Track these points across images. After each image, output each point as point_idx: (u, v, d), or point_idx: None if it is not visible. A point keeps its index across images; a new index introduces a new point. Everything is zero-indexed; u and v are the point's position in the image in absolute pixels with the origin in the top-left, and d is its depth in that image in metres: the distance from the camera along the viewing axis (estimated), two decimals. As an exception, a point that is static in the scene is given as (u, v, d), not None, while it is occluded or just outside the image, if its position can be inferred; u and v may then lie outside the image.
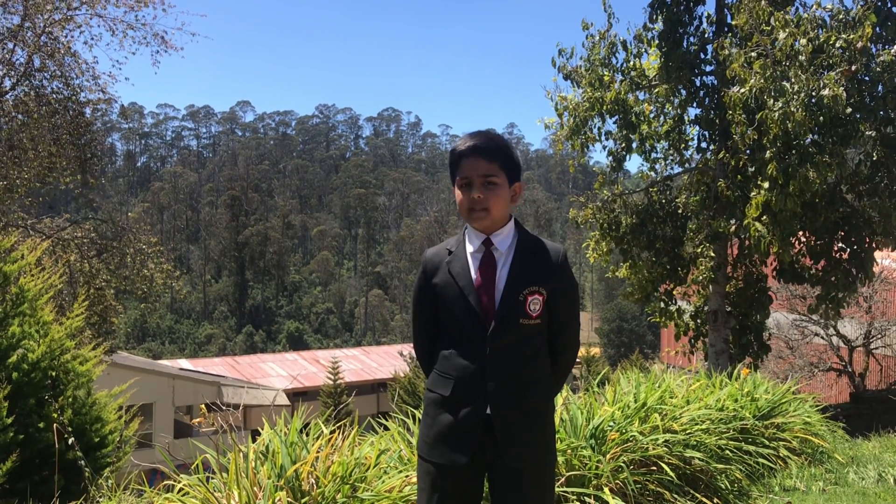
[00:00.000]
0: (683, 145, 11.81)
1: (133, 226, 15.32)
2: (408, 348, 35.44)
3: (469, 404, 2.48)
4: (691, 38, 11.09)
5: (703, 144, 11.44)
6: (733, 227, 10.05)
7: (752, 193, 9.35)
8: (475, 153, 2.50)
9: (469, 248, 2.55)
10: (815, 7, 9.49)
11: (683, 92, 11.13)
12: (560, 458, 4.18)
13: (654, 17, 11.18)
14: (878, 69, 9.10)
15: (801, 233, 10.37)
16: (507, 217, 2.56)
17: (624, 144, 11.66)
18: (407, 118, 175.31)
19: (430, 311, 2.63)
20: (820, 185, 8.95)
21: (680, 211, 11.80)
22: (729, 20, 10.88)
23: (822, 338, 16.48)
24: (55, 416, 4.59)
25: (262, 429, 3.93)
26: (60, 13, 12.74)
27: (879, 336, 16.31)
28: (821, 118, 8.69)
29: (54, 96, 13.02)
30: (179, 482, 3.59)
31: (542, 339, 2.59)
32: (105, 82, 13.37)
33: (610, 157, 11.91)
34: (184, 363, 38.66)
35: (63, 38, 12.86)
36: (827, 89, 8.42)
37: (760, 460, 5.37)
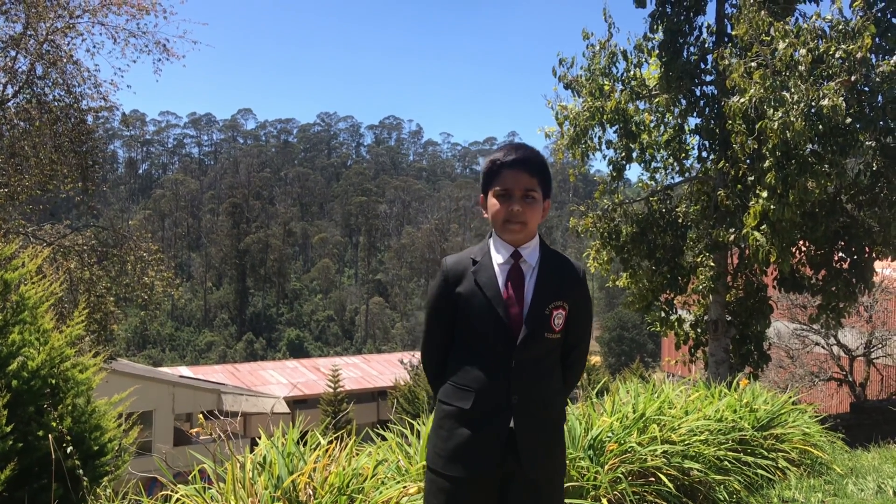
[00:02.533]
0: (683, 155, 11.84)
1: (134, 233, 15.32)
2: (408, 356, 35.35)
3: (492, 417, 2.47)
4: (691, 48, 11.13)
5: (703, 154, 11.47)
6: (733, 237, 10.06)
7: (751, 202, 9.36)
8: (519, 166, 2.50)
9: (497, 259, 2.53)
10: (814, 17, 9.52)
11: (683, 101, 11.16)
12: (558, 469, 4.17)
13: (655, 27, 11.22)
14: (877, 79, 9.12)
15: (801, 242, 10.38)
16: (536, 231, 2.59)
17: (624, 154, 11.69)
18: (408, 126, 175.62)
19: (446, 320, 2.59)
20: (819, 194, 8.96)
21: (680, 220, 11.81)
22: (729, 30, 10.91)
23: (823, 347, 16.47)
24: (54, 424, 4.59)
25: (260, 438, 3.94)
26: (62, 21, 12.79)
27: (880, 346, 16.29)
28: (820, 128, 8.70)
29: (56, 104, 13.05)
30: (176, 492, 3.59)
31: (559, 353, 2.62)
32: (107, 90, 13.42)
33: (610, 167, 11.94)
34: (184, 370, 38.59)
35: (65, 46, 12.91)
36: (826, 99, 8.44)
37: (759, 471, 5.36)
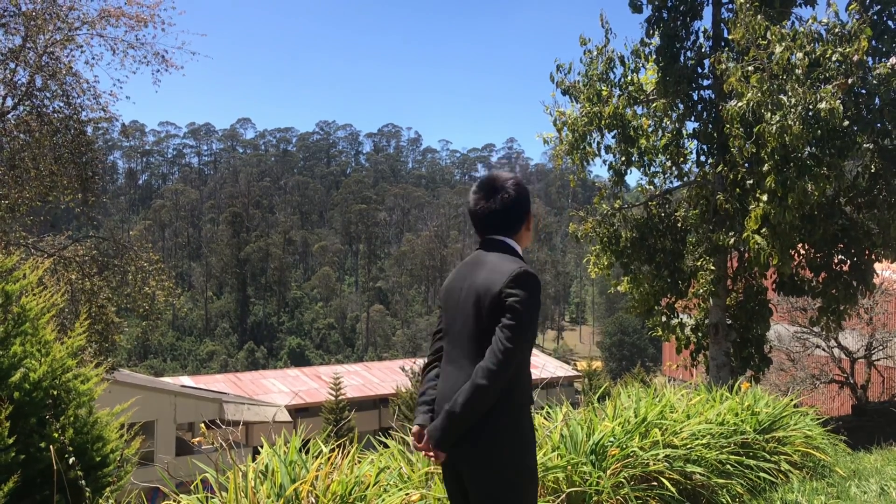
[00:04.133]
0: (682, 159, 11.86)
1: (134, 243, 15.31)
2: (409, 363, 35.35)
3: None
4: (688, 53, 11.16)
5: (702, 158, 11.49)
6: (732, 240, 10.06)
7: (751, 206, 9.37)
8: None
9: None
10: (811, 21, 9.56)
11: (681, 106, 11.19)
12: (560, 475, 4.18)
13: (652, 32, 11.25)
14: (874, 82, 9.16)
15: (800, 245, 10.39)
16: None
17: (624, 158, 11.71)
18: (407, 134, 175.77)
19: None
20: (818, 197, 8.98)
21: (679, 224, 11.82)
22: (726, 35, 10.95)
23: (824, 350, 16.43)
24: (56, 435, 4.59)
25: (262, 447, 3.94)
26: (61, 33, 12.81)
27: (881, 347, 16.25)
28: (818, 131, 8.73)
29: (56, 115, 13.05)
30: (179, 502, 3.59)
31: None
32: (106, 101, 13.40)
33: (611, 172, 11.96)
34: (185, 380, 38.52)
35: (64, 58, 12.92)
36: (824, 102, 8.46)
37: (761, 475, 5.36)
